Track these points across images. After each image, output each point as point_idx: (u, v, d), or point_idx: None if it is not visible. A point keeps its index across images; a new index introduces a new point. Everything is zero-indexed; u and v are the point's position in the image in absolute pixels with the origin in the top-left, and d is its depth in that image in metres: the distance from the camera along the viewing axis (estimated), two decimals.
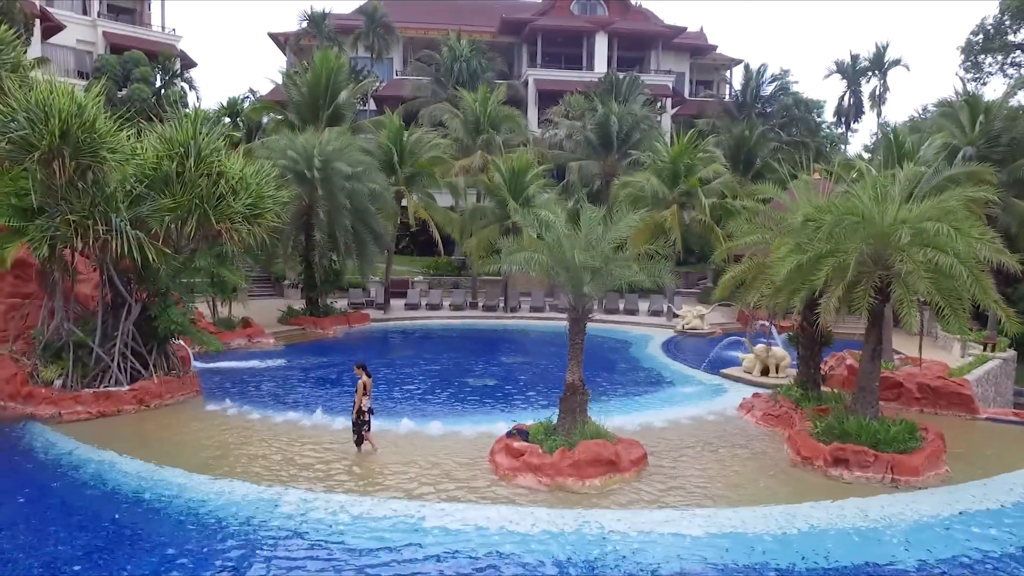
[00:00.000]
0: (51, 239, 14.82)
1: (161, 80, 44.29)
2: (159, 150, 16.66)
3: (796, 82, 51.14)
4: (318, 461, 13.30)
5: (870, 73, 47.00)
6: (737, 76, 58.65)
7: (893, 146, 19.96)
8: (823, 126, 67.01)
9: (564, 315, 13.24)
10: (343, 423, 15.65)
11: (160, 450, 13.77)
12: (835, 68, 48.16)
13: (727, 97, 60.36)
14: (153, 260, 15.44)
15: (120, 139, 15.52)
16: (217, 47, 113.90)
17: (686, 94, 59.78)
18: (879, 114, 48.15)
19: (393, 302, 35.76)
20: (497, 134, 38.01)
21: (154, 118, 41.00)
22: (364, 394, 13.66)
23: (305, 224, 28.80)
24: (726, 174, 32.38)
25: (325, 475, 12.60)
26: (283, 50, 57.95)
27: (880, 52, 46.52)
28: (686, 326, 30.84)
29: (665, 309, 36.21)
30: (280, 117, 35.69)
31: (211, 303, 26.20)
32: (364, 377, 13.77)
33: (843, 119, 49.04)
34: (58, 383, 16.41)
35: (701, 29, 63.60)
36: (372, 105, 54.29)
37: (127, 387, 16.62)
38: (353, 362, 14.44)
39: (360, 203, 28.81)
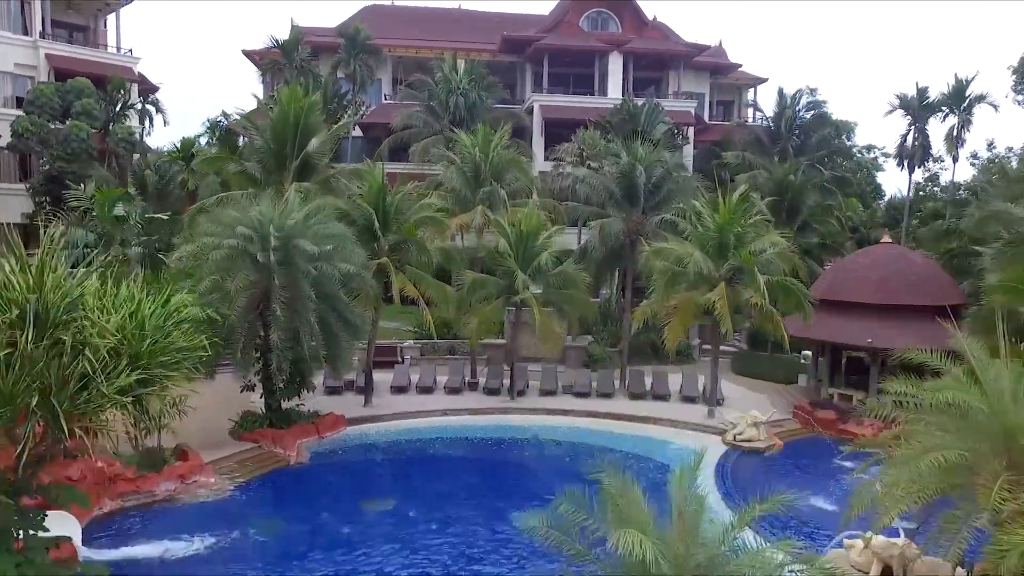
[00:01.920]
0: None
1: (109, 113, 37.98)
2: None
3: (825, 102, 45.33)
4: None
5: (943, 110, 40.56)
6: (762, 96, 52.86)
7: None
8: (854, 149, 61.47)
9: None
10: None
11: None
12: (897, 104, 41.60)
13: (750, 120, 54.50)
14: None
15: None
16: (197, 61, 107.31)
17: (706, 117, 53.78)
18: (955, 159, 41.58)
19: (377, 377, 29.69)
20: (501, 185, 31.81)
21: (96, 161, 35.46)
22: None
23: (261, 317, 22.74)
24: (782, 243, 26.27)
25: None
26: (259, 68, 51.79)
27: (962, 86, 39.91)
28: (738, 436, 24.80)
29: (701, 390, 30.25)
30: (239, 168, 29.39)
31: (132, 432, 20.03)
32: None
33: (906, 161, 42.58)
34: None
35: (720, 44, 57.56)
36: (357, 131, 48.21)
37: None
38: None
39: (330, 289, 22.79)
